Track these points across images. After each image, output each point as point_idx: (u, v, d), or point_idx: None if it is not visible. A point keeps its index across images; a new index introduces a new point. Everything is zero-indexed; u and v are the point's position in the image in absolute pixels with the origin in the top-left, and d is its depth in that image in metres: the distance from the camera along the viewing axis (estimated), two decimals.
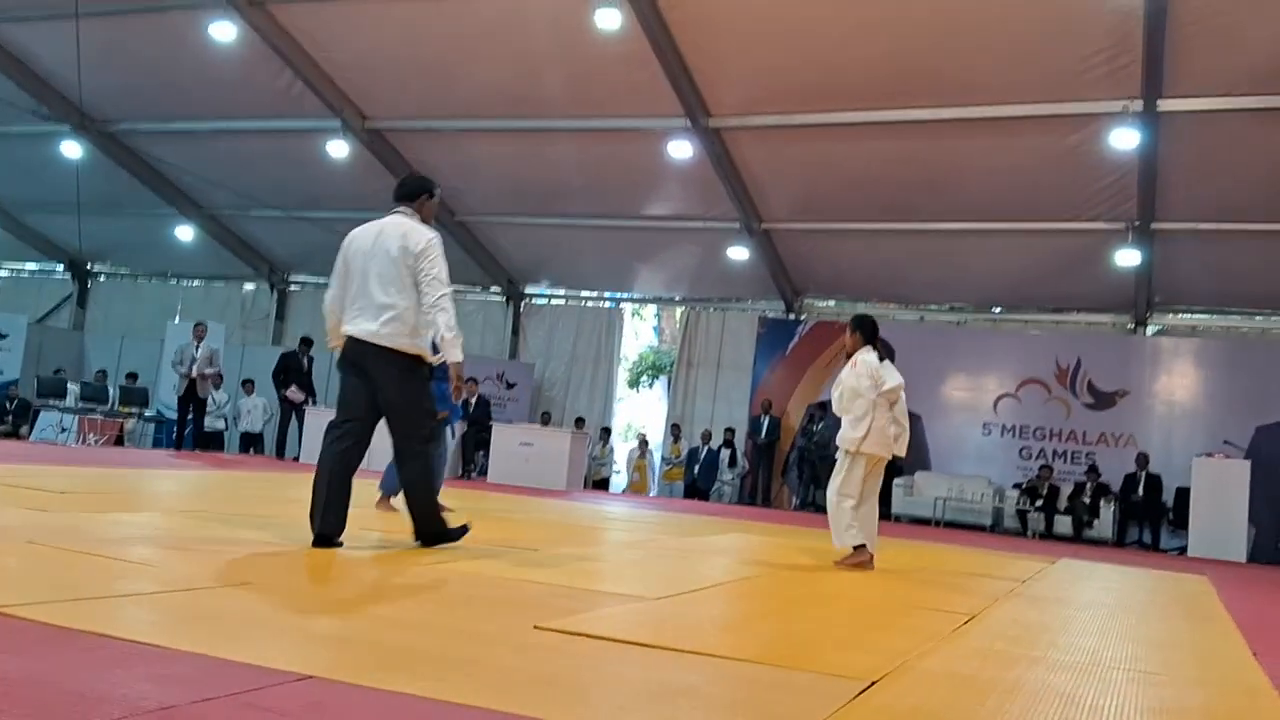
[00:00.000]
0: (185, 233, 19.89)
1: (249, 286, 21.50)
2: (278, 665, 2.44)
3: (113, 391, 17.47)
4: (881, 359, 6.49)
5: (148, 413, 18.09)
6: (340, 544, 4.90)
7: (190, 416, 15.47)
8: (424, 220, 5.24)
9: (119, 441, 16.71)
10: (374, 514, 7.00)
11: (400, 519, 7.03)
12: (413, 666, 2.73)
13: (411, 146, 16.21)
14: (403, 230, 5.09)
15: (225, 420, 17.64)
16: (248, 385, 17.88)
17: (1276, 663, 4.17)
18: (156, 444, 17.71)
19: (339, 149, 15.71)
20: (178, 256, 20.88)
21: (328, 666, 2.50)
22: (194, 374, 15.09)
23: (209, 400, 16.07)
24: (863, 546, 6.35)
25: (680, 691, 2.69)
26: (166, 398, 17.74)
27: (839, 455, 6.44)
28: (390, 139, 16.10)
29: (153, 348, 19.58)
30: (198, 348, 15.18)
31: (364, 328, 4.99)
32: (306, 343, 16.18)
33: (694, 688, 2.76)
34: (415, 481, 5.22)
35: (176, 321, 20.45)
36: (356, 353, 5.03)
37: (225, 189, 17.52)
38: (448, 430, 7.88)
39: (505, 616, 3.60)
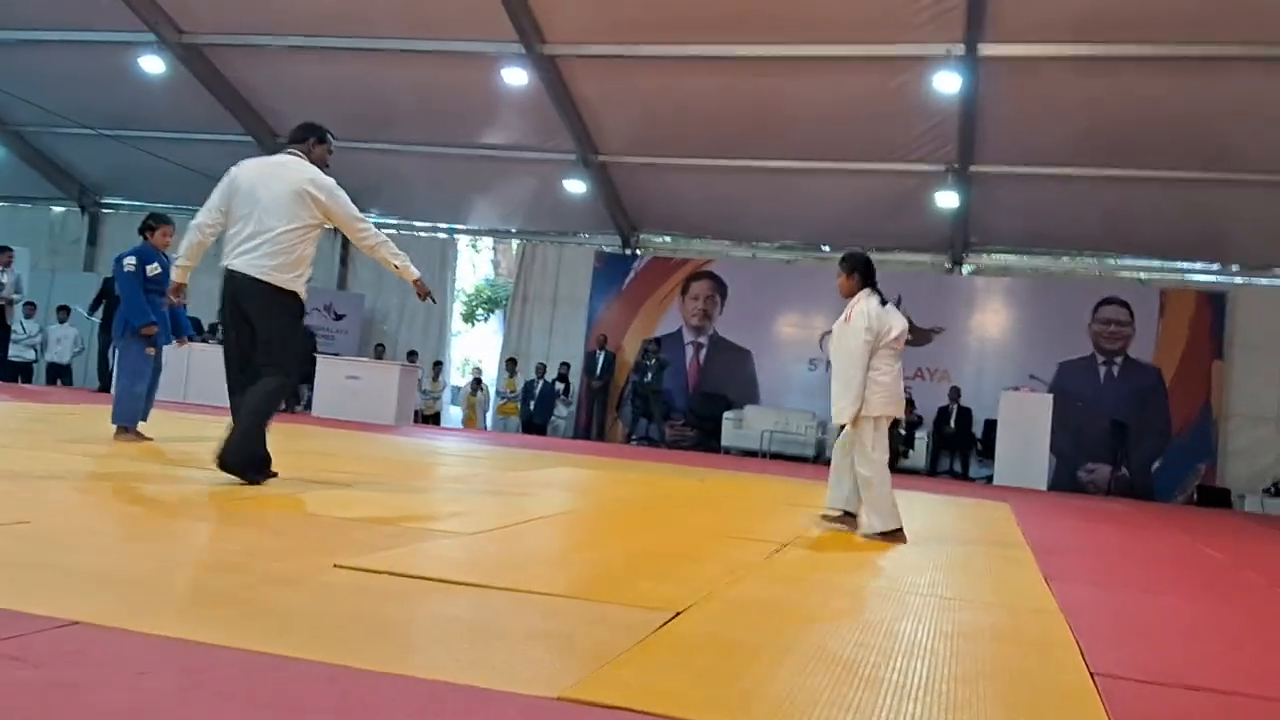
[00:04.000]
0: None
1: (57, 209, 20.20)
2: (40, 611, 2.28)
3: None
4: (883, 303, 5.51)
5: None
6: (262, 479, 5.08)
7: None
8: (314, 163, 5.33)
9: None
10: (194, 452, 6.69)
11: (155, 450, 6.75)
12: (193, 609, 2.60)
13: (232, 64, 15.40)
14: (307, 171, 5.22)
15: (35, 349, 16.67)
16: (61, 313, 16.90)
17: (1064, 586, 4.42)
18: None
19: (153, 64, 14.93)
20: None
21: (98, 611, 2.34)
22: (3, 300, 14.27)
23: (16, 328, 15.15)
24: (900, 530, 5.44)
25: (484, 629, 2.63)
26: None
27: (852, 426, 5.41)
28: (209, 55, 15.26)
29: None
30: (3, 274, 14.28)
31: (252, 263, 5.05)
32: None
33: (498, 625, 2.69)
34: (264, 400, 5.10)
35: None
36: (240, 290, 5.06)
37: (31, 104, 16.32)
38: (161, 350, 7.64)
39: (307, 554, 3.44)
